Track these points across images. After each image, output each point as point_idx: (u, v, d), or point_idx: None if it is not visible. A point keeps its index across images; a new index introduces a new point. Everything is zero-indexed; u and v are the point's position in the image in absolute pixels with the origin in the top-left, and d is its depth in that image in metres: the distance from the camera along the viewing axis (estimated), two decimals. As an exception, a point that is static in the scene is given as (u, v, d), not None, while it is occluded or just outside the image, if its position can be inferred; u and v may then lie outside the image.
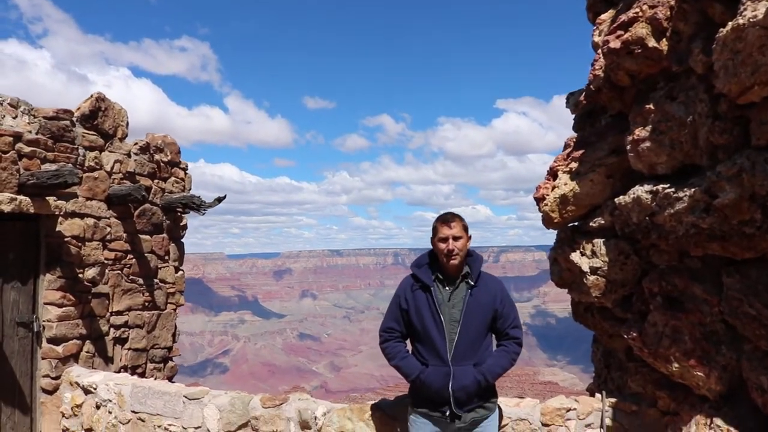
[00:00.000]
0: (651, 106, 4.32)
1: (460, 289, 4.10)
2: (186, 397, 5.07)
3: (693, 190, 3.76)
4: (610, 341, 5.36)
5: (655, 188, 4.24)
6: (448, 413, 3.97)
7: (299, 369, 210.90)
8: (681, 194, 3.97)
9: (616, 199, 4.64)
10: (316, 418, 4.78)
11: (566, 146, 5.52)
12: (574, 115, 6.75)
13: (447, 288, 4.11)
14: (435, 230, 4.16)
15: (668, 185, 4.17)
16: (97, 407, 5.64)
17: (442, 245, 4.06)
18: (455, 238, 4.05)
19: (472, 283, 4.09)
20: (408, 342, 4.33)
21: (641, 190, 4.37)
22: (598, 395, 5.01)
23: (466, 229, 4.16)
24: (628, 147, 4.50)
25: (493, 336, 4.26)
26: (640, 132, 4.41)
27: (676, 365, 4.23)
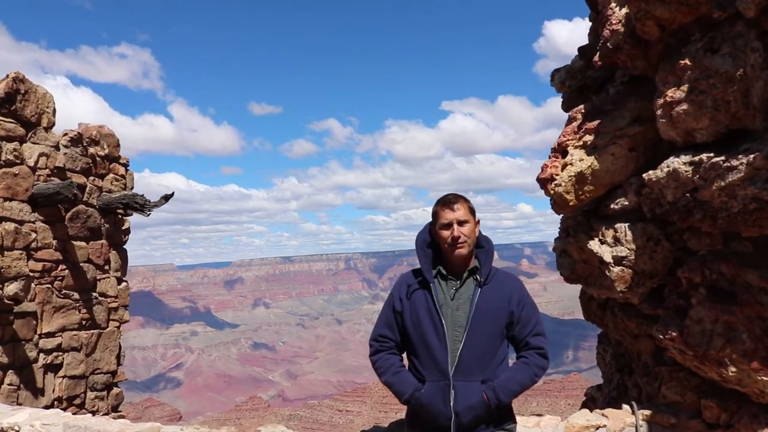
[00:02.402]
0: (687, 62, 3.76)
1: (466, 286, 3.29)
2: (132, 437, 4.12)
3: (751, 156, 3.28)
4: (634, 343, 4.66)
5: (697, 158, 3.69)
6: None
7: (255, 379, 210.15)
8: (734, 163, 3.44)
9: (644, 175, 4.01)
10: (295, 455, 3.90)
11: (570, 119, 4.79)
12: (561, 93, 6.13)
13: (450, 285, 3.27)
14: (435, 215, 3.36)
15: (713, 154, 3.52)
16: (22, 453, 4.61)
17: (445, 232, 3.26)
18: (461, 223, 3.25)
19: (482, 279, 3.25)
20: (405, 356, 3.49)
21: (678, 162, 3.77)
22: (626, 407, 4.27)
23: (473, 211, 3.35)
24: (659, 112, 3.88)
25: (509, 347, 3.42)
26: (674, 93, 3.79)
27: (733, 369, 3.65)
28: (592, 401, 6.24)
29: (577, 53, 5.72)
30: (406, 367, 3.40)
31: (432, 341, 3.19)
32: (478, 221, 3.36)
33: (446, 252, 3.28)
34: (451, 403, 3.11)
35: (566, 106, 5.84)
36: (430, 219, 3.44)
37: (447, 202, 3.30)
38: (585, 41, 5.51)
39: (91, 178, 6.96)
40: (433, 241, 3.38)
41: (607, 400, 5.69)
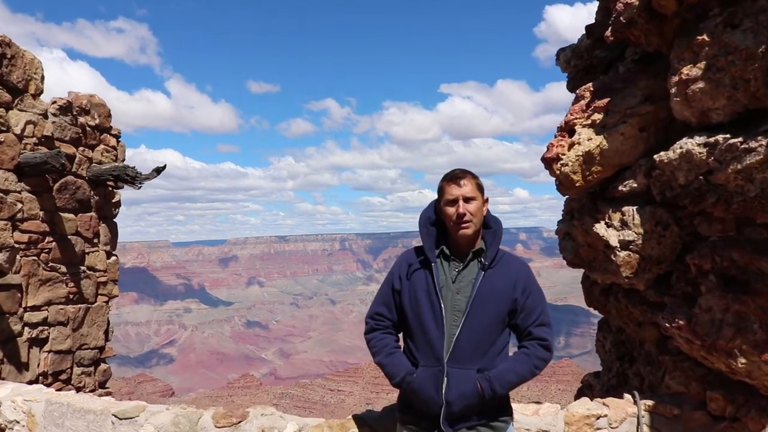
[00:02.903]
0: (705, 37, 3.58)
1: (470, 269, 3.10)
2: (116, 416, 3.94)
3: (771, 137, 3.08)
4: (638, 330, 4.52)
5: (712, 139, 3.53)
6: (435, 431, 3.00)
7: (248, 356, 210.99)
8: (753, 144, 3.28)
9: (655, 156, 3.84)
10: (285, 438, 3.75)
11: (578, 98, 4.60)
12: (567, 73, 5.96)
13: (453, 267, 3.09)
14: (441, 191, 3.16)
15: (729, 135, 3.35)
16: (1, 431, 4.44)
17: (450, 209, 3.07)
18: (467, 200, 3.05)
19: (487, 262, 3.06)
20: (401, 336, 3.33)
21: (692, 143, 3.61)
22: (628, 396, 4.13)
23: (481, 189, 3.15)
24: (673, 90, 3.70)
25: (511, 335, 3.24)
26: (690, 70, 3.61)
27: (743, 360, 3.52)
28: (589, 388, 6.12)
29: (583, 33, 5.55)
30: (402, 349, 3.25)
31: (429, 324, 3.02)
32: (487, 199, 3.17)
33: (450, 231, 3.10)
34: (443, 391, 2.95)
35: (572, 86, 5.68)
36: (434, 197, 3.26)
37: (453, 177, 3.10)
38: (585, 26, 5.33)
39: (81, 148, 6.72)
40: (437, 219, 3.20)
41: (606, 388, 5.57)
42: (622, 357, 5.29)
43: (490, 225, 3.20)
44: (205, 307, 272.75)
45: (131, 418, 3.97)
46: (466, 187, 3.05)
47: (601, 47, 5.28)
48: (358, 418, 3.84)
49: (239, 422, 3.88)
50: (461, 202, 3.03)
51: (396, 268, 3.27)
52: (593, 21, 5.31)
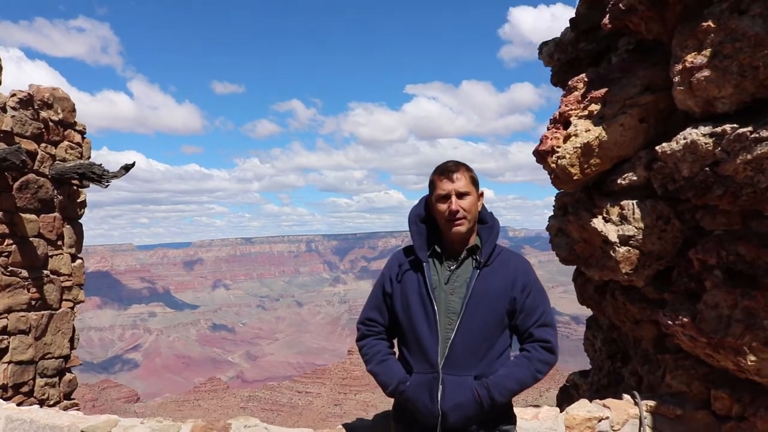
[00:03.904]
0: (710, 24, 3.47)
1: (464, 268, 2.90)
2: (85, 432, 3.64)
3: (783, 127, 3.00)
4: (635, 328, 4.38)
5: (719, 129, 3.43)
6: None
7: (214, 360, 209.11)
8: (764, 134, 3.16)
9: (657, 147, 3.71)
10: (272, 452, 3.50)
11: (570, 89, 4.43)
12: (550, 67, 5.81)
13: (446, 266, 2.87)
14: (432, 185, 2.95)
15: (737, 125, 3.22)
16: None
17: (442, 205, 2.85)
18: (460, 195, 2.84)
19: (482, 260, 2.86)
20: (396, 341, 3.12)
21: (697, 133, 3.49)
22: (627, 397, 3.99)
23: (475, 183, 2.94)
24: (676, 79, 3.58)
25: (512, 338, 3.03)
26: (694, 58, 3.49)
27: (753, 358, 3.44)
28: (575, 388, 5.98)
29: (567, 27, 5.40)
30: (396, 355, 3.02)
31: (421, 329, 2.81)
32: (482, 194, 2.96)
33: (442, 228, 2.88)
34: (438, 400, 2.74)
35: (556, 80, 5.56)
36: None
37: (446, 170, 2.88)
38: (569, 19, 5.17)
39: (43, 144, 6.39)
40: (428, 216, 2.98)
41: (596, 388, 5.43)
42: (613, 356, 5.16)
43: (485, 220, 2.99)
44: (171, 310, 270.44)
45: (103, 433, 3.67)
46: (460, 182, 2.84)
47: (585, 40, 5.14)
48: (348, 428, 3.61)
49: (221, 435, 3.61)
50: (454, 198, 2.82)
51: (386, 270, 3.06)
52: (574, 14, 5.16)
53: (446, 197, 2.83)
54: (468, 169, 2.91)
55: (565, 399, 6.00)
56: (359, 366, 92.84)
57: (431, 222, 2.96)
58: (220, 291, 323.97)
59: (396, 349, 3.07)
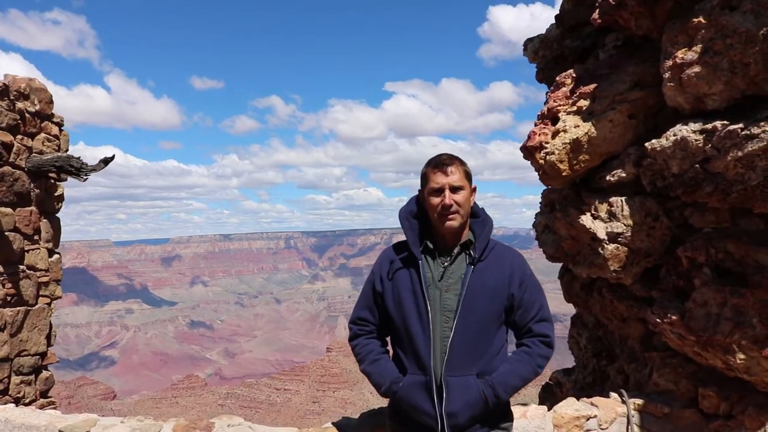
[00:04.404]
0: (701, 20, 3.45)
1: (457, 264, 2.82)
2: None
3: (773, 124, 2.97)
4: (622, 326, 4.36)
5: (710, 126, 3.41)
6: None
7: (192, 357, 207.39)
8: (755, 131, 3.16)
9: (647, 144, 3.69)
10: (256, 451, 3.41)
11: (557, 84, 4.39)
12: (535, 64, 5.79)
13: (439, 262, 2.81)
14: (425, 178, 2.86)
15: (728, 122, 3.21)
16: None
17: (435, 199, 2.78)
18: (454, 189, 2.76)
19: (476, 255, 2.79)
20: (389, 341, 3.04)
21: (687, 130, 3.47)
22: (614, 395, 3.97)
23: (469, 177, 2.87)
24: (666, 75, 3.56)
25: (508, 334, 2.98)
26: (685, 54, 3.47)
27: (741, 356, 3.42)
28: (558, 386, 5.97)
29: (552, 23, 5.37)
30: (389, 354, 2.95)
31: (415, 329, 2.73)
32: (475, 188, 2.89)
33: (435, 223, 2.80)
34: (443, 402, 2.66)
35: (541, 76, 5.52)
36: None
37: (440, 164, 2.80)
38: (554, 16, 5.15)
39: (19, 136, 6.17)
40: (420, 211, 2.91)
41: (580, 386, 5.42)
42: (598, 354, 5.15)
43: (478, 214, 2.92)
44: (148, 307, 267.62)
45: (82, 433, 3.56)
46: (454, 176, 2.76)
47: (571, 37, 5.11)
48: (336, 427, 3.54)
49: (204, 434, 3.52)
50: (447, 192, 2.74)
51: (377, 267, 2.96)
52: (560, 11, 5.12)
53: (440, 191, 2.76)
54: (462, 162, 2.84)
55: (547, 397, 5.98)
56: (337, 363, 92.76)
57: (422, 218, 2.91)
58: (198, 288, 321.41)
59: (390, 347, 3.02)
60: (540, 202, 5.02)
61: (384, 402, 3.10)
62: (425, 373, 2.69)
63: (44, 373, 6.58)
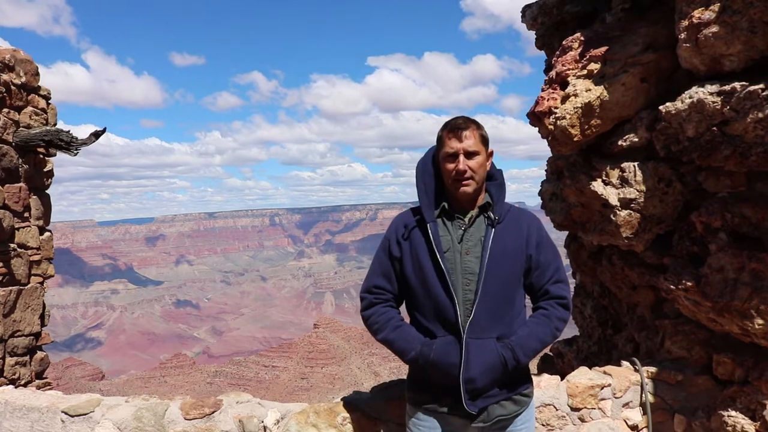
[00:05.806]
0: None
1: (476, 226, 2.75)
2: (66, 413, 3.40)
3: (800, 84, 2.90)
4: (632, 294, 4.30)
5: (728, 87, 3.33)
6: (459, 408, 2.69)
7: (180, 336, 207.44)
8: None
9: (661, 107, 3.59)
10: (266, 428, 3.33)
11: (564, 49, 4.26)
12: (534, 31, 5.66)
13: (457, 225, 2.74)
14: (440, 141, 2.78)
15: (747, 83, 3.12)
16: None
17: (450, 165, 2.70)
18: (469, 154, 2.69)
19: (496, 217, 2.72)
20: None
21: (703, 92, 3.37)
22: (626, 364, 3.92)
23: (485, 141, 2.78)
24: (682, 36, 3.44)
25: (525, 296, 2.93)
26: (702, 14, 3.35)
27: (760, 321, 3.37)
28: (560, 357, 5.93)
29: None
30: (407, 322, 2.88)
31: (437, 291, 2.67)
32: (491, 153, 2.81)
33: (449, 187, 2.73)
34: (462, 365, 2.62)
35: (541, 43, 5.40)
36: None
37: (455, 127, 2.71)
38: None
39: (5, 110, 5.92)
40: (435, 170, 2.83)
41: (584, 356, 5.38)
42: (604, 323, 5.10)
43: (495, 176, 2.85)
44: (134, 287, 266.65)
45: (84, 414, 3.43)
46: (469, 141, 2.68)
47: (571, 2, 4.98)
48: (347, 402, 3.46)
49: (212, 412, 3.43)
50: (462, 157, 2.66)
51: (391, 233, 2.88)
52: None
53: (454, 156, 2.68)
54: (478, 126, 2.75)
55: (547, 368, 5.95)
56: (325, 339, 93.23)
57: (438, 178, 2.82)
58: (184, 266, 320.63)
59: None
60: (546, 170, 4.93)
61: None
62: (455, 333, 2.64)
63: (39, 354, 6.44)
